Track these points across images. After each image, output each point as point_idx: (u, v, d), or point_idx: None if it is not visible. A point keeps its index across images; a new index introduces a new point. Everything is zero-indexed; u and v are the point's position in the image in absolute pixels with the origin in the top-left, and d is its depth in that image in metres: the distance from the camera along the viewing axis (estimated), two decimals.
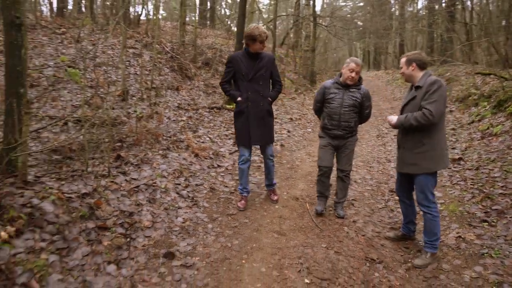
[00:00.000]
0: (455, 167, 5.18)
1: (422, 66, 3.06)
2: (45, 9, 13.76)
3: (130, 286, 2.48)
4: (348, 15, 27.72)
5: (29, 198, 2.69)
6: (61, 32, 8.45)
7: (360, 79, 3.75)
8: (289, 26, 19.85)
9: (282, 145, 6.75)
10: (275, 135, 7.32)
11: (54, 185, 3.06)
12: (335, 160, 3.98)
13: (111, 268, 2.58)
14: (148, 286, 2.52)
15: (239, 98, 3.84)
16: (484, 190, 4.18)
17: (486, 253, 3.09)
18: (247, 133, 3.87)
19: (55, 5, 12.36)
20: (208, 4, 21.20)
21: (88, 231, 2.80)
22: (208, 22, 20.66)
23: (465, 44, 11.70)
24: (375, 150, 6.93)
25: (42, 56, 6.68)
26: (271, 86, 4.05)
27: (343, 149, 3.87)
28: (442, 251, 3.22)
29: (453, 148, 6.04)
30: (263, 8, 29.66)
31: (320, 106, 3.91)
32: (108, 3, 11.73)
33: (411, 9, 29.51)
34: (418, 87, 3.00)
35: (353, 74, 3.60)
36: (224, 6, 30.46)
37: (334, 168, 4.00)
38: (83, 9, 12.65)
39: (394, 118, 3.14)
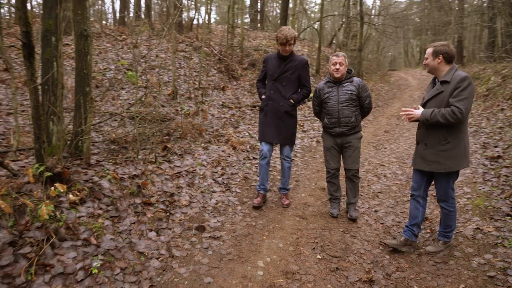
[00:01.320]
0: (491, 165, 5.10)
1: (449, 59, 2.91)
2: (110, 19, 15.24)
3: (166, 249, 3.00)
4: (404, 12, 26.77)
5: (91, 176, 3.33)
6: (121, 39, 9.47)
7: (350, 71, 3.80)
8: (338, 25, 19.75)
9: (318, 141, 7.01)
10: (312, 132, 7.65)
11: (111, 167, 3.70)
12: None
13: (152, 234, 3.12)
14: (181, 251, 3.02)
15: (263, 96, 4.04)
16: None
17: (500, 243, 3.17)
18: (262, 129, 4.02)
19: (118, 14, 13.68)
20: (258, 6, 21.79)
21: (135, 205, 3.38)
22: (258, 24, 21.26)
23: None
24: (412, 148, 6.92)
25: (105, 61, 7.63)
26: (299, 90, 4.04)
27: (347, 148, 3.81)
28: (457, 241, 3.34)
29: (495, 147, 5.89)
30: (314, 8, 29.69)
31: (319, 109, 3.93)
32: (164, 9, 12.72)
33: (476, 1, 27.68)
34: (444, 82, 2.88)
35: (337, 66, 3.64)
36: (275, 6, 30.96)
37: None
38: (142, 16, 13.84)
39: (418, 112, 2.97)
